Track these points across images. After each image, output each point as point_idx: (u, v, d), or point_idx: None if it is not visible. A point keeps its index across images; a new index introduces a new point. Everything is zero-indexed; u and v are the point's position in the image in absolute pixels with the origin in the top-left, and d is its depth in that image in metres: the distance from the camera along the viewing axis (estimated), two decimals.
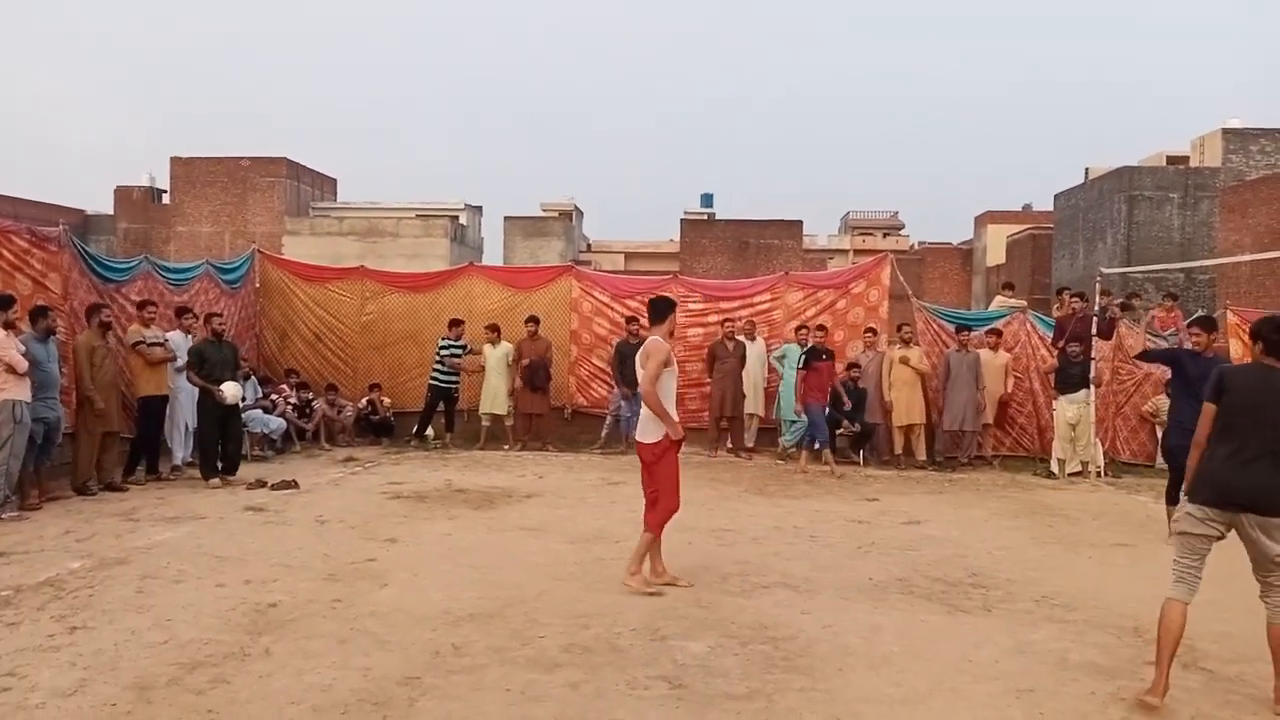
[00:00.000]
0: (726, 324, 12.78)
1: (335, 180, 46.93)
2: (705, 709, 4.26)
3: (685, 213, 47.43)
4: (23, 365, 7.86)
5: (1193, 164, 35.94)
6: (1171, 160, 37.88)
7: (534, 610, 5.61)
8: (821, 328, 12.50)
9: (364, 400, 13.10)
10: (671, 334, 6.33)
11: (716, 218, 44.63)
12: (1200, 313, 11.24)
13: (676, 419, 6.16)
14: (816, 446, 11.37)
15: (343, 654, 4.86)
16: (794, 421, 12.14)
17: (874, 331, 12.59)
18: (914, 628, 5.41)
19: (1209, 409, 4.54)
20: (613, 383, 12.90)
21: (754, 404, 12.80)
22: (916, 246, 53.78)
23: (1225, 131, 35.58)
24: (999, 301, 14.39)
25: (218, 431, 9.92)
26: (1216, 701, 4.41)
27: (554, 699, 4.34)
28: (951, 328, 12.64)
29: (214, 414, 9.83)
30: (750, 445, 12.78)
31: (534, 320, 12.93)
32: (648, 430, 6.13)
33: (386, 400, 13.23)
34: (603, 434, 12.79)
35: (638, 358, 6.20)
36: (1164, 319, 13.14)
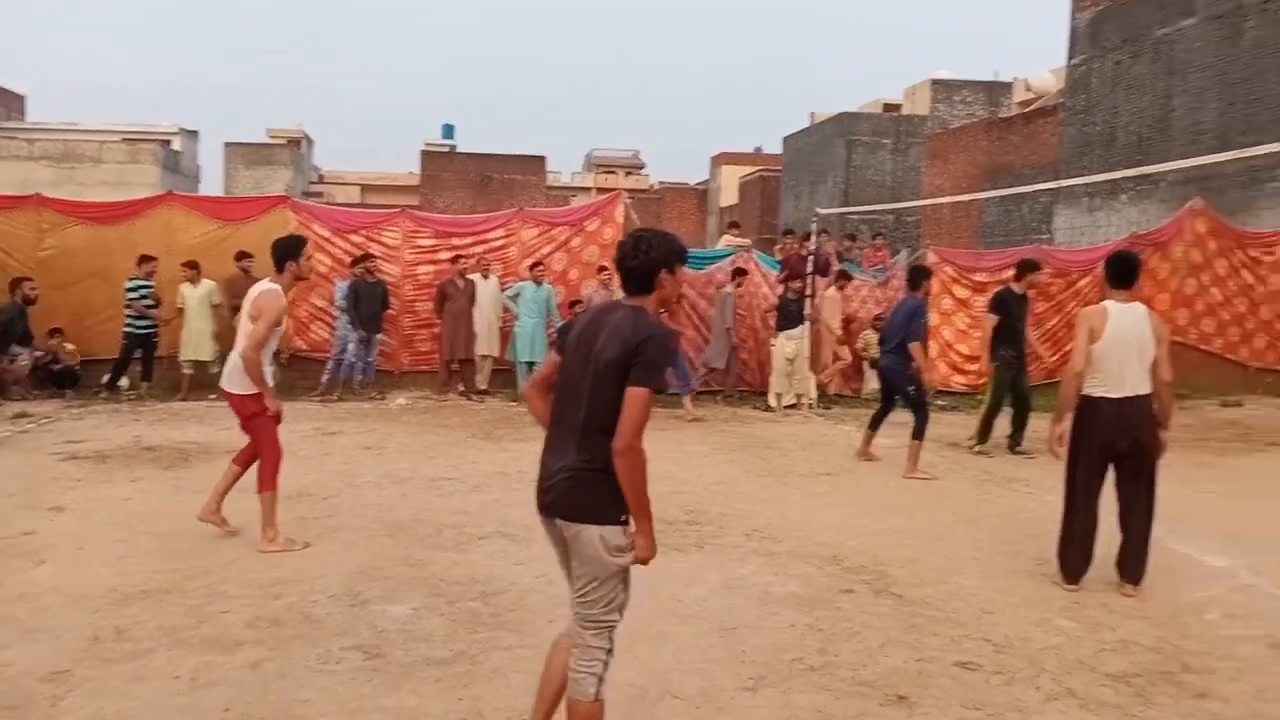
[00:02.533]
0: (458, 260, 12.30)
1: (23, 97, 41.40)
2: (402, 679, 3.98)
3: (425, 144, 45.77)
4: None
5: (905, 112, 38.71)
6: (888, 108, 40.62)
7: (219, 582, 5.07)
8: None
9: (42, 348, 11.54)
10: (297, 279, 5.76)
11: (458, 150, 43.38)
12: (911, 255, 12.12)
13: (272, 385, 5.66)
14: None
15: None
16: (533, 364, 11.95)
17: (606, 269, 12.54)
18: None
19: None
20: (335, 325, 12.15)
21: (487, 344, 12.45)
22: (657, 186, 54.92)
23: (934, 82, 38.48)
24: (726, 240, 14.79)
25: None
26: (903, 625, 4.64)
27: (229, 683, 3.90)
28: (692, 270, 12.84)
29: None
30: (483, 388, 12.45)
31: (245, 256, 11.81)
32: (237, 380, 5.57)
33: (70, 346, 11.72)
34: (324, 379, 12.00)
35: (245, 308, 5.59)
36: (873, 256, 14.04)
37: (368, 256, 12.01)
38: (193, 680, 3.92)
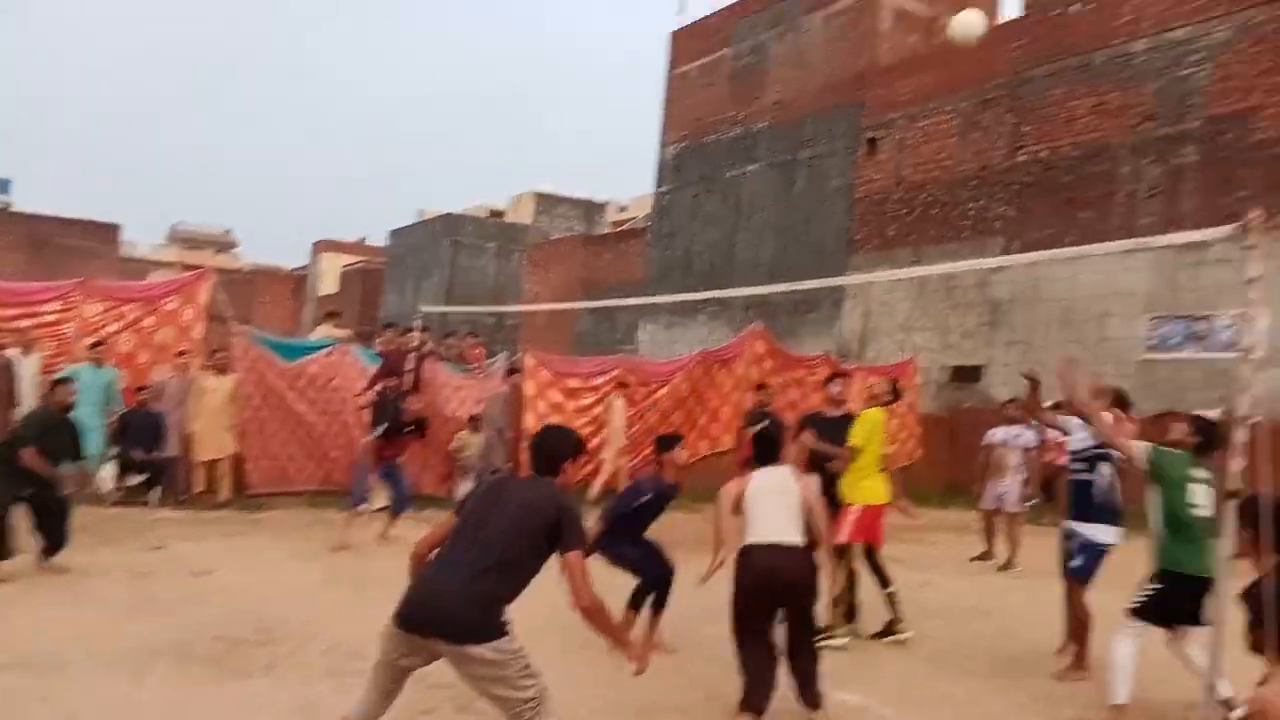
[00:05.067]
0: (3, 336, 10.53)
1: None
2: None
3: None
4: None
5: (509, 219, 40.36)
6: (494, 214, 42.10)
7: None
8: (182, 351, 10.80)
9: None
10: None
11: (13, 209, 37.97)
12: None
13: None
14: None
15: None
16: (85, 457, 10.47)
17: (184, 353, 11.42)
18: (184, 702, 4.71)
19: None
20: None
21: None
22: (249, 268, 51.88)
23: (538, 195, 40.57)
24: (323, 330, 14.18)
25: None
26: None
27: None
28: (275, 355, 12.04)
29: None
30: None
31: None
32: None
33: None
34: None
35: None
36: (470, 354, 14.17)
37: None
38: None
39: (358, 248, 46.22)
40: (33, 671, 4.97)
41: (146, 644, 5.53)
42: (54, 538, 7.23)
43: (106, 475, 10.48)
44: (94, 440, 10.40)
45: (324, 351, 12.60)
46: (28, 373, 10.63)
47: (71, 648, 5.36)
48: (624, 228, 35.78)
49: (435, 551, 3.66)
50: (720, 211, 22.76)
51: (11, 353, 10.58)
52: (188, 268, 40.63)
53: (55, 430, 7.45)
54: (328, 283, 42.48)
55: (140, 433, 10.55)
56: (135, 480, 10.56)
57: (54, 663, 5.11)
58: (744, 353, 14.67)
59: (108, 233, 34.88)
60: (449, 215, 36.11)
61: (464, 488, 11.99)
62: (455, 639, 3.35)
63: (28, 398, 10.56)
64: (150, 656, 5.32)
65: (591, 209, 41.63)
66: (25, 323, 11.12)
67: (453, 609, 3.38)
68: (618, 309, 23.62)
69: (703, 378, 13.87)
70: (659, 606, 5.90)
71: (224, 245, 57.97)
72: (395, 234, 37.88)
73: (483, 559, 3.45)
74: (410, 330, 12.34)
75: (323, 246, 45.02)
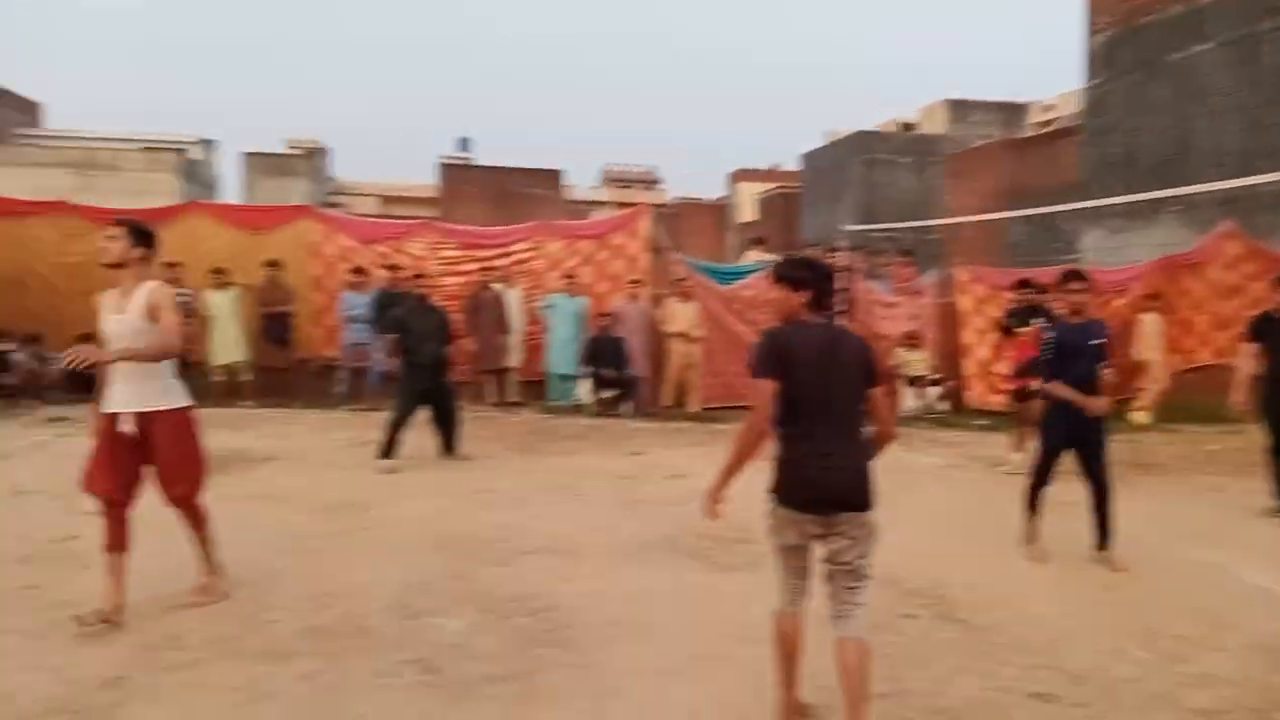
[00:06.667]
0: (485, 272, 12.23)
1: (40, 105, 41.58)
2: (460, 697, 3.88)
3: (441, 157, 45.86)
4: None
5: (921, 131, 38.68)
6: (905, 127, 40.60)
7: (267, 592, 4.99)
8: (635, 281, 12.01)
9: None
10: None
11: (476, 164, 43.47)
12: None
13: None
14: None
15: (34, 652, 4.10)
16: (568, 377, 11.93)
17: (638, 282, 12.47)
18: (682, 590, 5.25)
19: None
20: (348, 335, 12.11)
21: (514, 356, 12.37)
22: (674, 201, 54.94)
23: (949, 102, 38.46)
24: (753, 255, 14.70)
25: None
26: (972, 653, 4.50)
27: (286, 695, 3.82)
28: (712, 280, 12.75)
29: None
30: (515, 399, 12.36)
31: (274, 264, 11.83)
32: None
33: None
34: (340, 390, 11.95)
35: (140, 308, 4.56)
36: (900, 274, 13.90)
37: (393, 267, 11.93)
38: (248, 691, 3.83)
39: (770, 174, 47.10)
40: (557, 556, 5.81)
41: (640, 538, 6.22)
42: (448, 437, 8.71)
43: (582, 392, 11.84)
44: (568, 358, 11.85)
45: (756, 275, 13.08)
46: (513, 302, 12.28)
47: (585, 538, 6.18)
48: (1050, 128, 32.86)
49: (785, 426, 3.57)
50: (1167, 100, 20.03)
51: (499, 287, 12.25)
52: (621, 206, 44.10)
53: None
54: (746, 210, 43.85)
55: (606, 354, 11.73)
56: (607, 395, 11.80)
57: (572, 549, 5.93)
58: (1215, 256, 12.94)
59: (553, 179, 38.67)
60: (860, 133, 35.41)
61: (908, 403, 12.00)
62: (862, 508, 3.54)
63: (516, 323, 12.23)
64: (645, 549, 5.98)
65: (1011, 112, 38.70)
66: (503, 261, 12.82)
67: (853, 482, 3.54)
68: (1053, 215, 21.81)
69: (1168, 286, 12.47)
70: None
71: (649, 182, 61.97)
72: (807, 157, 37.97)
73: (847, 423, 3.59)
74: (836, 250, 12.39)
75: (739, 176, 46.45)
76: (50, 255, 12.08)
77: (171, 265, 11.57)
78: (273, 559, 5.54)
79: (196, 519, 4.85)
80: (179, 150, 37.83)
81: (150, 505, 4.76)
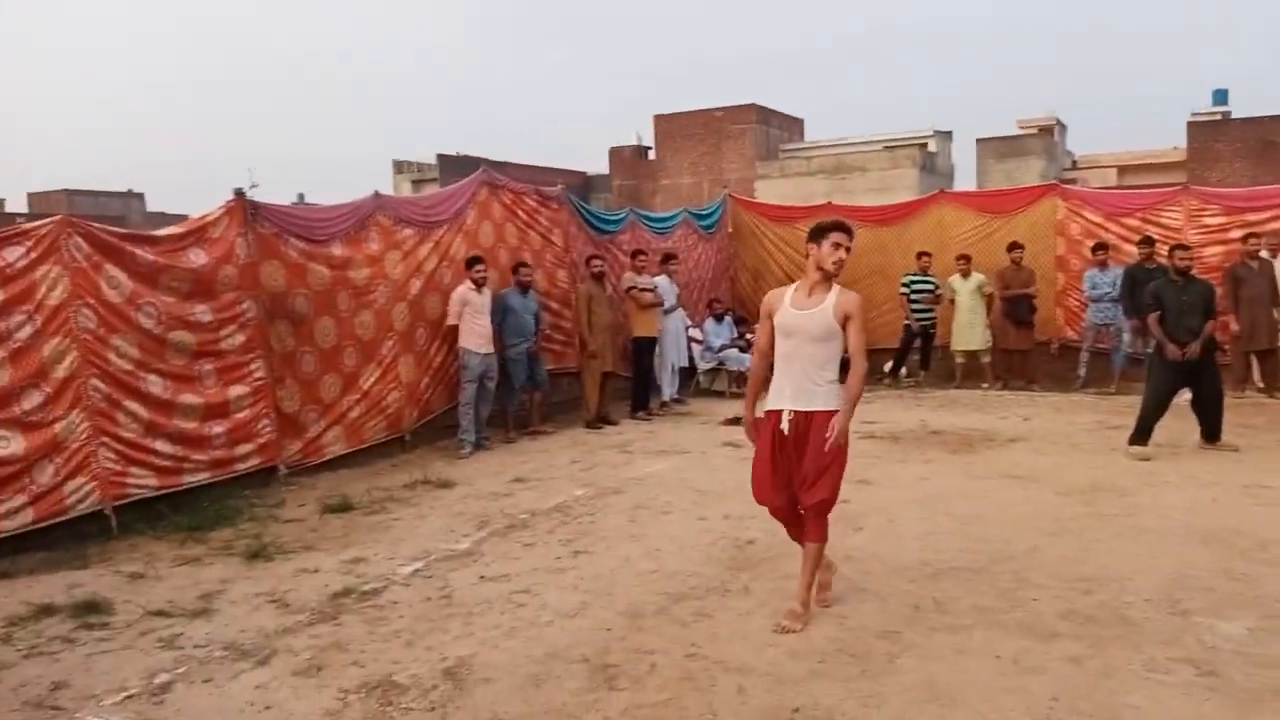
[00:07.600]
0: (1250, 240, 10.70)
1: (802, 121, 47.48)
2: (1248, 707, 3.52)
3: (1192, 114, 40.99)
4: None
5: None
6: None
7: (1023, 569, 5.08)
8: None
9: None
10: (820, 268, 4.42)
11: (1232, 117, 38.00)
12: None
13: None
14: None
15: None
16: None
17: None
18: None
19: None
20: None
21: None
22: None
23: None
24: None
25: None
26: None
27: (1052, 673, 3.86)
28: None
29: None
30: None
31: (1017, 247, 11.89)
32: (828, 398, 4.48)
33: None
34: (1081, 372, 11.52)
35: (828, 314, 4.38)
36: None
37: (1145, 241, 11.09)
38: (1015, 663, 3.96)
39: None
40: None
41: None
42: (1210, 424, 7.80)
43: None
44: None
45: None
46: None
47: None
48: None
49: None
50: None
51: (1265, 255, 10.66)
52: None
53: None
54: None
55: None
56: None
57: None
58: None
59: None
60: None
61: None
62: None
63: None
64: None
65: None
66: (1277, 225, 11.11)
67: None
68: None
69: None
70: None
71: None
72: None
73: None
74: None
75: None
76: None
77: (921, 255, 12.46)
78: (1030, 536, 5.62)
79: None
80: (918, 145, 40.10)
81: (902, 480, 5.18)
